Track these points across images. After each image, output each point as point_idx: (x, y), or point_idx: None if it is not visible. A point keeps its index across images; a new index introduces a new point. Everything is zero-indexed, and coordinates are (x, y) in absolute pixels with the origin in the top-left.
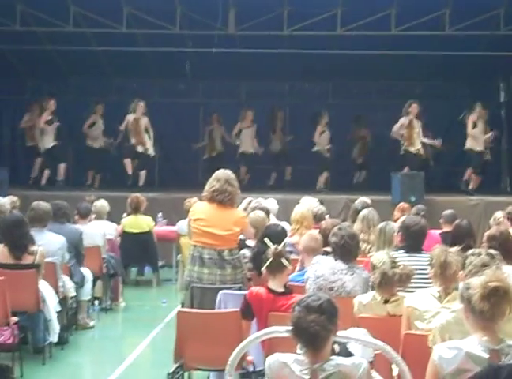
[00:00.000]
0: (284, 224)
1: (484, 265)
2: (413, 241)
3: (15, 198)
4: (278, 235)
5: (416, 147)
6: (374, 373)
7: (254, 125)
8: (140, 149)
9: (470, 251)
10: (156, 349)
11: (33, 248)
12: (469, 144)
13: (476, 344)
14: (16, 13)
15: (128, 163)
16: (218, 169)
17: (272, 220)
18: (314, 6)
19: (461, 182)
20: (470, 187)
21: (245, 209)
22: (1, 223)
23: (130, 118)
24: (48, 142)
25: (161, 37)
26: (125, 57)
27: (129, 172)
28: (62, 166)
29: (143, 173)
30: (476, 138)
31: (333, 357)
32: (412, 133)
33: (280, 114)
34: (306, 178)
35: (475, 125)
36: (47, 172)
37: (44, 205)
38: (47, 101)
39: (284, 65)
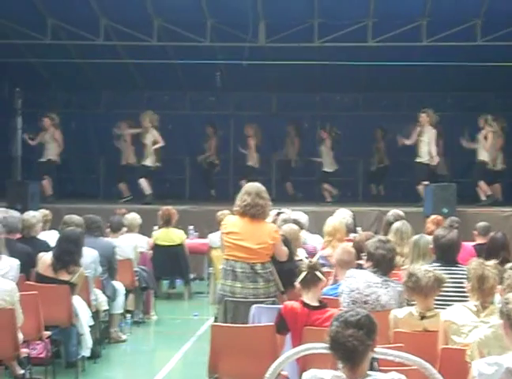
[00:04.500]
0: (316, 237)
1: None
2: (442, 253)
3: (47, 212)
4: None
5: (423, 156)
6: None
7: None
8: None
9: (508, 265)
10: (189, 363)
11: (74, 268)
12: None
13: None
14: (47, 27)
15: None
16: (206, 179)
17: (304, 233)
18: (344, 18)
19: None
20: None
21: (273, 222)
22: (59, 234)
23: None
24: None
25: (192, 49)
26: (156, 69)
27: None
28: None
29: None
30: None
31: (370, 373)
32: (419, 142)
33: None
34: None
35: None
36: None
37: (77, 219)
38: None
39: (314, 77)
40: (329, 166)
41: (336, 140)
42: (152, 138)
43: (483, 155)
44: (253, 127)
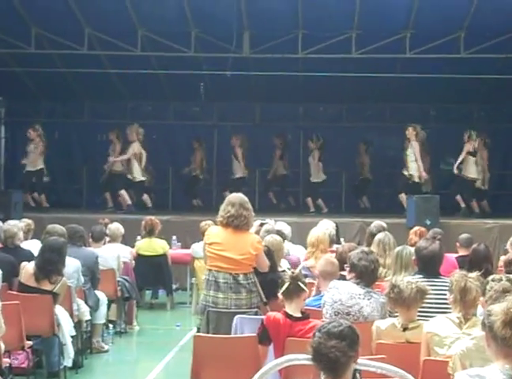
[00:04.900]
0: (299, 248)
1: (505, 291)
2: (424, 264)
3: (30, 221)
4: None
5: (410, 171)
6: None
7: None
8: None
9: (491, 277)
10: (171, 373)
11: (56, 278)
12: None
13: (497, 372)
14: (31, 36)
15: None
16: (189, 190)
17: (287, 244)
18: (328, 29)
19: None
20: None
21: (257, 233)
22: (42, 244)
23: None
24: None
25: (176, 60)
26: (139, 79)
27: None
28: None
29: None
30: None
31: None
32: (405, 156)
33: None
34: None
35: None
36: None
37: (59, 228)
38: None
39: (298, 88)
40: (316, 177)
41: (321, 148)
42: (135, 151)
43: (472, 172)
44: (239, 138)
